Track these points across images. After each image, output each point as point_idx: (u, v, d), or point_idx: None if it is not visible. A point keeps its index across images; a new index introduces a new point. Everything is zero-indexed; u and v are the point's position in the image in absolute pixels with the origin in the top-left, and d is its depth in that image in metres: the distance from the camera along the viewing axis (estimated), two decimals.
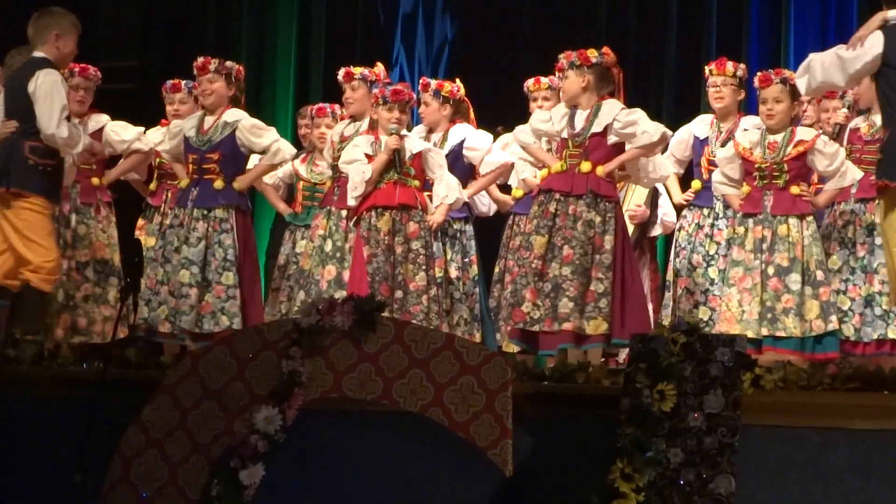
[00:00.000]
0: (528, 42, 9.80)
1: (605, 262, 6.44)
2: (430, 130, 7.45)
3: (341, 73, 7.54)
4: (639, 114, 6.60)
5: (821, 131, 6.84)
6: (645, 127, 6.54)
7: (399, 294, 6.79)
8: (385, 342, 5.03)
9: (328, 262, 7.21)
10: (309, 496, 5.29)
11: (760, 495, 4.78)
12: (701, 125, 7.48)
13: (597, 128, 6.57)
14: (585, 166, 6.54)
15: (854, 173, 6.61)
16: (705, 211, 7.30)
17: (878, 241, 6.43)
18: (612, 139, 6.57)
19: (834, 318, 6.46)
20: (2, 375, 5.93)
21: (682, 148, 7.51)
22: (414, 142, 7.07)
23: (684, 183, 7.61)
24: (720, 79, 7.28)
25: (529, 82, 7.63)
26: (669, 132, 6.73)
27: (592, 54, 6.64)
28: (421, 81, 7.62)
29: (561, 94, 6.88)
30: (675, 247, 7.37)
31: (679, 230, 7.39)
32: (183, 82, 7.79)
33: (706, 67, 7.42)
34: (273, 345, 5.13)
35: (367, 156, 6.92)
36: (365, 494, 5.22)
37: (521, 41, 9.90)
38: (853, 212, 6.79)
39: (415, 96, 7.17)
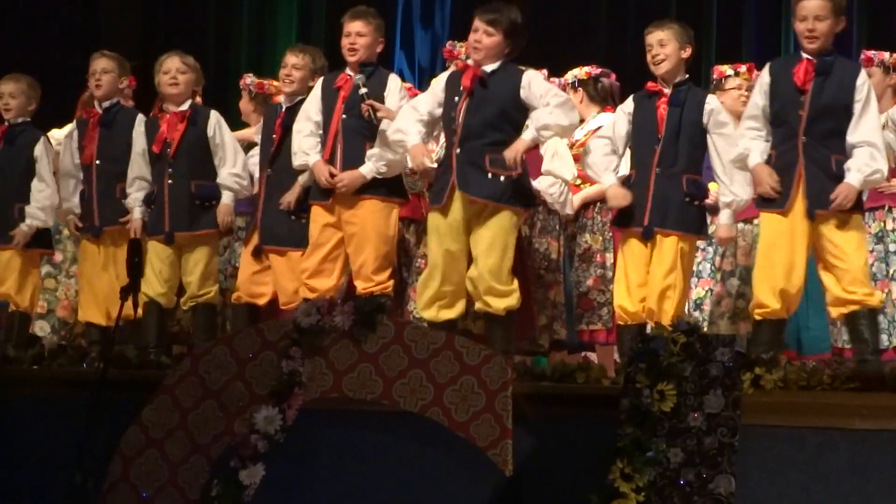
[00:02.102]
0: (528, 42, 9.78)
1: None
2: None
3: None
4: None
5: None
6: None
7: None
8: (385, 342, 5.03)
9: None
10: (309, 496, 5.29)
11: (760, 495, 4.78)
12: None
13: None
14: None
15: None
16: None
17: (893, 247, 6.46)
18: None
19: None
20: (2, 375, 5.93)
21: None
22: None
23: None
24: (746, 83, 7.12)
25: None
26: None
27: None
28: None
29: None
30: None
31: None
32: None
33: (731, 69, 7.27)
34: (273, 345, 5.13)
35: None
36: (365, 494, 5.21)
37: None
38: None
39: None
